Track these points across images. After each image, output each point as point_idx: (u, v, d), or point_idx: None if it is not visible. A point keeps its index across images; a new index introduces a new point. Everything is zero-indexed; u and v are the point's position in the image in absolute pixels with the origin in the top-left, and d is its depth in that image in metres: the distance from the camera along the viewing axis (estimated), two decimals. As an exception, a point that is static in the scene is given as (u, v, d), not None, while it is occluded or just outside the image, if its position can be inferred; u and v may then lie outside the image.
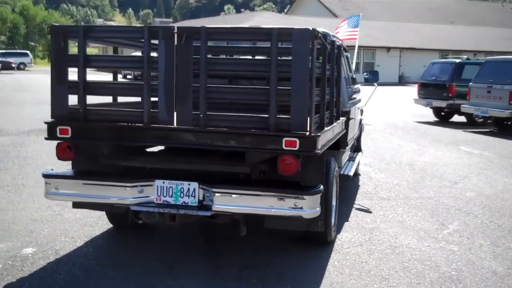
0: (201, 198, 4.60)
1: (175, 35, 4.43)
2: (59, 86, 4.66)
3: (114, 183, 4.67)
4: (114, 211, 5.34)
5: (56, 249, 5.29)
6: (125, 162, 4.86)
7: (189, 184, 4.63)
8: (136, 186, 4.65)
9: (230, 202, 4.49)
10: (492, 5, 79.49)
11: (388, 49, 49.77)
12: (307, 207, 4.40)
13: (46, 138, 4.80)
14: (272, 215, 4.52)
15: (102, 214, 6.09)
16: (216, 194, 4.49)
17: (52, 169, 5.04)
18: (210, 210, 4.54)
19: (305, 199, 4.39)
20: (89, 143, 4.75)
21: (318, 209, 4.47)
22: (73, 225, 6.05)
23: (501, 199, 7.77)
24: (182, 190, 4.64)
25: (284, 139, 4.30)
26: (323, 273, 4.86)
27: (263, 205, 4.44)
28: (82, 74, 4.62)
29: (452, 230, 6.26)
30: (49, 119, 4.79)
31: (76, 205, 5.18)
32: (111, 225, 5.95)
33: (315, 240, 5.46)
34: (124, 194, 4.65)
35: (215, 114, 4.49)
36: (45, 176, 4.87)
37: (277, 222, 4.83)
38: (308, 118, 4.31)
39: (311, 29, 4.24)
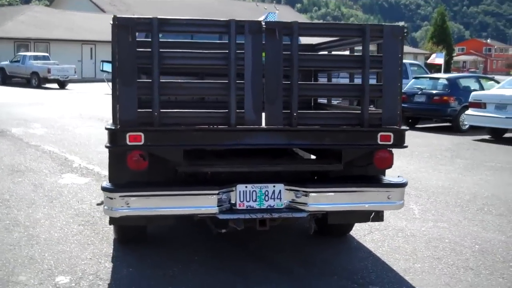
0: (288, 199, 4.42)
1: (264, 30, 4.19)
2: (126, 87, 4.07)
3: (199, 192, 4.26)
4: (164, 223, 4.80)
5: (90, 273, 4.63)
6: (208, 168, 4.44)
7: (274, 186, 4.41)
8: (218, 193, 4.29)
9: (325, 201, 4.40)
10: (248, 5, 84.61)
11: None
12: (397, 199, 4.50)
13: (108, 147, 4.18)
14: (360, 210, 4.54)
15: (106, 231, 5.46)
16: (311, 194, 4.36)
17: (114, 183, 4.38)
18: (303, 211, 4.39)
19: (395, 192, 4.50)
20: (167, 150, 4.23)
21: (403, 201, 4.58)
22: (90, 245, 5.35)
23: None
24: (266, 193, 4.41)
25: (380, 134, 4.34)
26: (381, 260, 5.02)
27: (357, 201, 4.44)
28: (156, 73, 4.11)
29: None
30: (109, 125, 4.18)
31: (136, 220, 4.54)
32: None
33: (340, 232, 5.58)
34: (210, 203, 4.26)
35: (306, 112, 4.35)
36: (110, 190, 4.24)
37: (342, 217, 4.84)
38: (398, 112, 4.41)
39: (401, 25, 4.34)
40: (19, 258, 4.94)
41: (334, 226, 5.36)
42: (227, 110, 4.21)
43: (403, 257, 5.14)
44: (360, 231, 5.81)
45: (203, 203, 4.26)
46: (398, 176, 4.64)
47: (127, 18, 4.06)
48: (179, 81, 4.42)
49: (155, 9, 62.31)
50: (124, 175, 4.40)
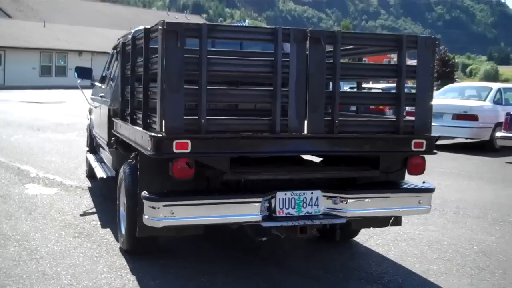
0: (324, 206, 4.46)
1: (308, 38, 4.22)
2: (174, 94, 3.96)
3: (244, 200, 4.20)
4: (185, 233, 4.65)
5: (118, 287, 4.43)
6: (253, 176, 4.37)
7: (312, 193, 4.45)
8: (261, 201, 4.26)
9: (363, 206, 4.48)
10: (158, 14, 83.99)
11: (80, 52, 49.05)
12: (426, 204, 4.67)
13: (152, 155, 4.03)
14: (391, 215, 4.67)
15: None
16: (349, 200, 4.43)
17: (155, 192, 4.21)
18: (342, 217, 4.46)
19: (425, 196, 4.66)
20: (214, 158, 4.14)
21: (430, 205, 4.75)
22: (99, 258, 5.10)
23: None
24: (305, 200, 4.43)
25: (413, 140, 4.49)
26: (398, 264, 5.18)
27: (392, 206, 4.56)
28: (205, 79, 4.02)
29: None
30: (153, 133, 4.04)
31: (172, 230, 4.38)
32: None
33: (346, 238, 5.69)
34: (253, 211, 4.23)
35: (345, 120, 4.42)
36: (153, 199, 4.09)
37: (366, 222, 4.97)
38: (429, 120, 4.59)
39: (433, 37, 4.53)
40: (32, 274, 4.63)
41: (344, 232, 5.45)
42: (271, 118, 4.21)
43: (415, 260, 5.31)
44: (360, 236, 5.94)
45: (247, 211, 4.22)
46: (424, 182, 4.81)
47: (176, 24, 3.96)
48: (225, 88, 4.36)
49: (64, 15, 60.42)
50: (163, 184, 4.26)
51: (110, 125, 6.21)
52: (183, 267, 4.90)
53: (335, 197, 4.46)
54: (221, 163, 4.15)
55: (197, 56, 4.02)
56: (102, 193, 7.78)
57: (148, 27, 4.44)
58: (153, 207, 4.09)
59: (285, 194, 4.37)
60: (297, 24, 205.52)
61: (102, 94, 7.02)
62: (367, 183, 4.72)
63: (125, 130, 5.33)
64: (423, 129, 4.53)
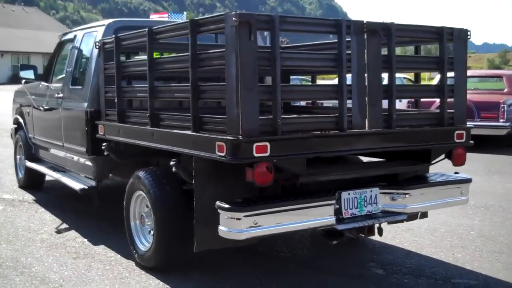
0: (381, 203, 4.36)
1: (365, 30, 4.07)
2: (249, 92, 3.60)
3: (320, 203, 3.96)
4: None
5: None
6: (325, 177, 4.10)
7: (371, 191, 4.32)
8: (334, 203, 4.05)
9: (420, 200, 4.43)
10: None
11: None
12: (466, 194, 4.74)
13: (229, 160, 3.63)
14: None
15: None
16: (408, 196, 4.36)
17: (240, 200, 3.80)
18: (402, 213, 4.38)
19: (465, 187, 4.72)
20: (292, 160, 3.83)
21: (468, 195, 4.82)
22: (128, 279, 4.52)
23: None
24: (365, 198, 4.29)
25: (456, 132, 4.53)
26: (424, 255, 5.22)
27: (442, 198, 4.57)
28: (278, 76, 3.71)
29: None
30: (226, 136, 3.65)
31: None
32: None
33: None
34: (328, 214, 4.01)
35: (400, 114, 4.33)
36: (234, 210, 3.69)
37: None
38: (465, 111, 4.65)
39: (465, 28, 4.58)
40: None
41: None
42: (337, 115, 4.01)
43: (437, 250, 5.37)
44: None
45: (323, 215, 4.00)
46: (455, 173, 4.88)
47: (249, 15, 3.59)
48: (294, 84, 4.06)
49: None
50: (236, 191, 3.89)
51: (91, 129, 5.56)
52: (220, 282, 4.52)
53: (393, 193, 4.37)
54: (298, 165, 3.88)
55: (269, 50, 3.71)
56: (55, 205, 7.00)
57: (198, 18, 3.99)
58: (233, 218, 3.71)
59: (349, 194, 4.20)
60: (133, 17, 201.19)
61: (60, 95, 6.26)
62: (410, 178, 4.68)
63: (135, 134, 4.80)
64: (461, 120, 4.58)
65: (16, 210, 6.72)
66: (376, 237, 5.57)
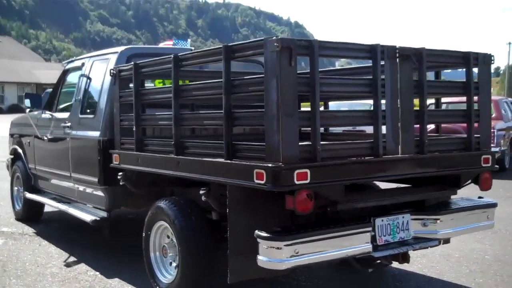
0: (414, 229, 4.30)
1: (398, 55, 4.06)
2: (289, 118, 3.53)
3: (358, 230, 3.88)
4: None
5: None
6: (361, 203, 4.03)
7: (403, 217, 4.26)
8: (370, 230, 3.98)
9: (450, 226, 4.38)
10: None
11: None
12: (492, 218, 4.71)
13: (269, 188, 3.53)
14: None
15: None
16: (438, 221, 4.31)
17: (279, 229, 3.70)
18: (434, 239, 4.32)
19: (491, 211, 4.69)
20: (330, 187, 3.76)
21: (494, 220, 4.79)
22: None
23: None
24: (397, 225, 4.23)
25: (483, 156, 4.53)
26: (447, 281, 5.17)
27: (471, 223, 4.53)
28: (317, 102, 3.66)
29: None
30: (265, 163, 3.56)
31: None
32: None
33: None
34: (365, 241, 3.92)
35: (431, 139, 4.31)
36: (274, 239, 3.59)
37: None
38: (490, 135, 4.65)
39: (490, 53, 4.61)
40: None
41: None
42: (372, 140, 3.96)
43: (457, 275, 5.33)
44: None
45: (360, 242, 3.90)
46: (479, 197, 4.85)
47: (289, 40, 3.54)
48: (333, 110, 4.01)
49: None
50: (269, 220, 3.80)
51: (104, 159, 5.42)
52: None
53: (424, 219, 4.31)
54: (336, 192, 3.81)
55: (308, 76, 3.66)
56: (58, 237, 6.78)
57: (232, 44, 3.93)
58: (274, 247, 3.60)
59: (382, 220, 4.14)
60: (106, 46, 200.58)
61: (68, 124, 6.10)
62: (437, 203, 4.64)
63: (156, 163, 4.69)
64: (487, 144, 4.59)
65: (18, 244, 6.49)
66: (394, 264, 5.52)
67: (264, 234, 3.63)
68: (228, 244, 3.89)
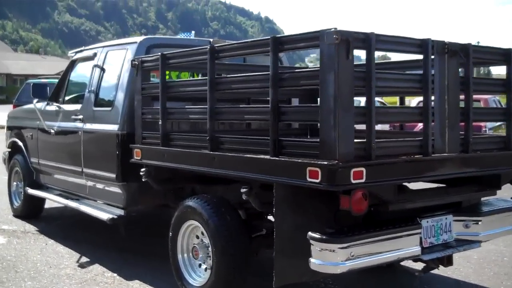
0: (456, 231, 4.18)
1: (447, 50, 3.93)
2: (346, 114, 3.37)
3: (411, 232, 3.74)
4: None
5: None
6: (411, 204, 3.88)
7: (446, 218, 4.13)
8: (419, 232, 3.84)
9: (493, 227, 4.27)
10: None
11: None
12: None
13: (326, 187, 3.36)
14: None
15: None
16: (479, 223, 4.20)
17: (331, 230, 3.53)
18: (477, 241, 4.21)
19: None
20: (384, 186, 3.60)
21: None
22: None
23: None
24: (441, 226, 4.10)
25: None
26: (477, 285, 5.08)
27: (511, 224, 4.43)
28: (373, 97, 3.51)
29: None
30: (319, 161, 3.39)
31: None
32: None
33: None
34: (415, 243, 3.79)
35: (475, 137, 4.19)
36: (328, 241, 3.42)
37: None
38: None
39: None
40: None
41: None
42: (421, 138, 3.83)
43: (483, 278, 5.24)
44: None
45: (411, 244, 3.77)
46: None
47: (347, 32, 3.37)
48: (387, 106, 3.85)
49: None
50: (316, 220, 3.63)
51: (122, 154, 5.19)
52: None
53: (465, 220, 4.20)
54: (388, 192, 3.67)
55: (364, 70, 3.51)
56: (64, 235, 6.51)
57: (281, 35, 3.74)
58: (328, 250, 3.43)
59: (427, 221, 4.00)
60: (74, 37, 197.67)
61: (80, 117, 5.83)
62: (474, 204, 4.53)
63: (187, 159, 4.48)
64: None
65: (23, 243, 6.20)
66: (417, 265, 5.41)
67: (318, 235, 3.47)
68: (274, 245, 3.71)
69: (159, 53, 4.72)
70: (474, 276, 5.31)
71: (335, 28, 3.35)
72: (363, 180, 3.42)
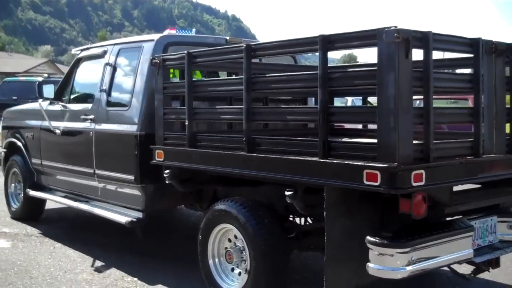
0: (500, 232, 4.12)
1: (494, 50, 3.85)
2: (406, 115, 3.25)
3: (466, 234, 3.65)
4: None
5: None
6: (464, 207, 3.78)
7: (491, 220, 4.06)
8: (472, 235, 3.76)
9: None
10: None
11: None
12: None
13: (387, 190, 3.24)
14: None
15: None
16: (523, 224, 4.15)
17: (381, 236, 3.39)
18: (522, 243, 4.16)
19: None
20: (441, 189, 3.50)
21: None
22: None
23: None
24: (487, 227, 4.03)
25: None
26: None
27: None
28: (431, 97, 3.40)
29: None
30: (378, 163, 3.27)
31: None
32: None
33: None
34: (468, 245, 3.70)
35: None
36: (387, 245, 3.31)
37: None
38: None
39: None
40: None
41: None
42: (472, 139, 3.74)
43: (509, 277, 5.21)
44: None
45: (465, 247, 3.67)
46: None
47: (407, 31, 3.24)
48: (443, 107, 3.75)
49: None
50: (368, 224, 3.53)
51: (141, 155, 4.99)
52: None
53: (509, 221, 4.14)
54: (445, 194, 3.57)
55: (421, 70, 3.40)
56: (70, 238, 6.26)
57: (331, 33, 3.59)
58: (387, 254, 3.32)
59: (475, 223, 3.92)
60: (38, 34, 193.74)
61: (91, 117, 5.58)
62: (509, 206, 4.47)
63: (219, 160, 4.30)
64: None
65: (30, 246, 5.93)
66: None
67: (378, 240, 3.35)
68: (325, 250, 3.57)
69: (185, 52, 4.53)
70: (502, 276, 5.25)
71: (395, 26, 3.24)
72: (422, 183, 3.32)
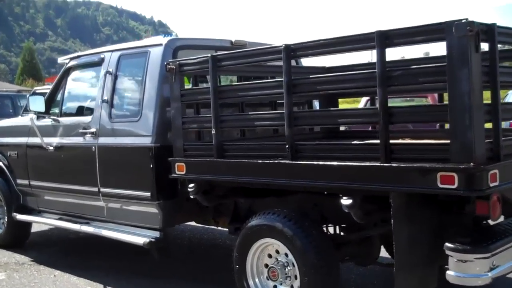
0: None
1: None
2: (479, 112, 3.10)
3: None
4: None
5: None
6: None
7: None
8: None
9: None
10: None
11: None
12: None
13: (466, 193, 3.06)
14: None
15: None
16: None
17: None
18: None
19: None
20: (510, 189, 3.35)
21: None
22: None
23: None
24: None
25: None
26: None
27: None
28: (499, 94, 3.26)
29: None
30: (454, 165, 3.08)
31: None
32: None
33: None
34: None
35: None
36: (466, 251, 3.13)
37: None
38: None
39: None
40: None
41: None
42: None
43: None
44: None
45: None
46: None
47: (477, 24, 3.09)
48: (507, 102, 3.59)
49: None
50: (435, 228, 3.37)
51: (157, 170, 4.64)
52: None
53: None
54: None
55: (487, 64, 3.25)
56: (66, 264, 5.79)
57: (389, 29, 3.38)
58: (468, 261, 3.13)
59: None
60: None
61: (92, 130, 5.16)
62: None
63: (257, 170, 4.01)
64: None
65: (27, 276, 5.43)
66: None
67: (459, 246, 3.17)
68: (395, 260, 3.37)
69: (209, 55, 4.23)
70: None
71: (466, 19, 3.08)
72: (497, 183, 3.17)
